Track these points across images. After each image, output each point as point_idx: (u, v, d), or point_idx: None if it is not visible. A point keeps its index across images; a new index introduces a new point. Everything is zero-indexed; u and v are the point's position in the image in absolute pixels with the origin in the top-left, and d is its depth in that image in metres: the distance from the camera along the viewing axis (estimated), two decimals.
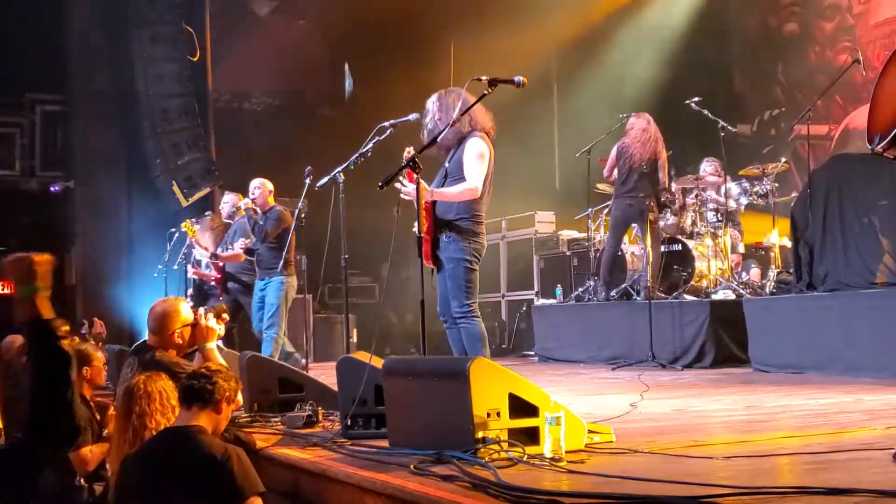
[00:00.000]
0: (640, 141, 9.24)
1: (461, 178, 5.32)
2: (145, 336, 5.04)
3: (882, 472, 2.96)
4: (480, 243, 5.38)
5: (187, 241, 10.24)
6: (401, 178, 5.07)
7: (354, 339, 12.13)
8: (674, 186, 9.60)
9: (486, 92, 4.84)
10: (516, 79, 4.77)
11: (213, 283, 9.82)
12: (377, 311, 12.44)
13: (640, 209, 9.19)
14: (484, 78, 4.76)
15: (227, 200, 9.91)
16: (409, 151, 5.09)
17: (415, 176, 4.83)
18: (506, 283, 13.05)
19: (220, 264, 9.54)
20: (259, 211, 8.78)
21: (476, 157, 5.31)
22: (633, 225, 9.75)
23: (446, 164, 5.46)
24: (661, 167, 9.29)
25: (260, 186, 8.80)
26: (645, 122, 9.34)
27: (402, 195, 5.17)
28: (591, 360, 9.59)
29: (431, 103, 5.46)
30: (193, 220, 10.17)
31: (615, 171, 9.51)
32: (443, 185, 5.41)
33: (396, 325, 13.46)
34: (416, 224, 5.01)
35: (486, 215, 5.53)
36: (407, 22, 14.36)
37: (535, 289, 12.33)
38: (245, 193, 8.99)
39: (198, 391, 3.58)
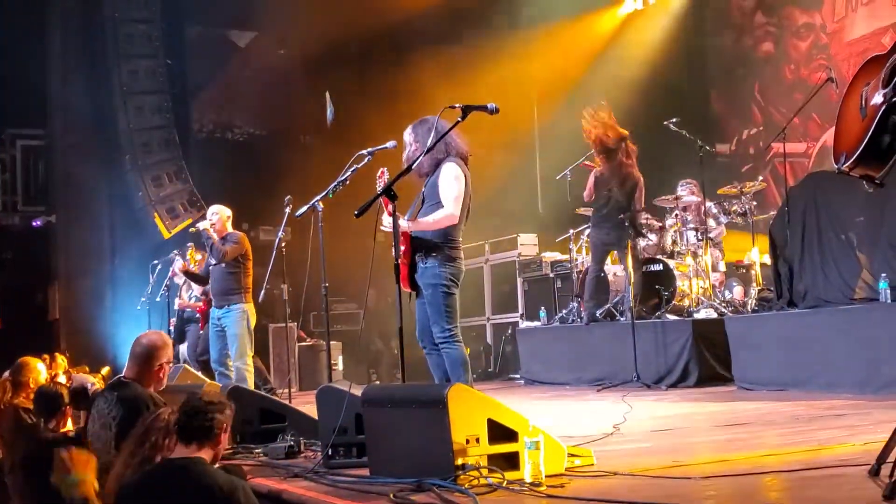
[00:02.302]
0: (613, 167, 9.34)
1: (437, 203, 5.30)
2: None
3: (857, 489, 2.98)
4: (458, 267, 5.34)
5: (171, 272, 10.23)
6: (379, 207, 5.06)
7: (340, 366, 12.10)
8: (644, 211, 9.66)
9: (458, 119, 4.84)
10: (489, 105, 4.77)
11: (198, 313, 9.80)
12: (360, 338, 12.42)
13: (618, 236, 9.26)
14: (457, 105, 4.77)
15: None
16: (382, 172, 5.10)
17: (391, 205, 4.82)
18: (490, 305, 13.05)
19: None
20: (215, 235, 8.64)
21: (452, 182, 5.29)
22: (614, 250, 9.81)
23: (423, 189, 5.45)
24: (637, 191, 9.36)
25: (217, 212, 8.73)
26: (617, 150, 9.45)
27: (381, 227, 5.15)
28: (576, 381, 9.58)
29: (407, 135, 5.46)
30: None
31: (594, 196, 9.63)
32: (419, 209, 5.41)
33: (383, 352, 13.44)
34: (392, 249, 5.01)
35: (469, 238, 5.51)
36: (388, 50, 14.46)
37: (520, 311, 12.33)
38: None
39: (197, 429, 3.52)
